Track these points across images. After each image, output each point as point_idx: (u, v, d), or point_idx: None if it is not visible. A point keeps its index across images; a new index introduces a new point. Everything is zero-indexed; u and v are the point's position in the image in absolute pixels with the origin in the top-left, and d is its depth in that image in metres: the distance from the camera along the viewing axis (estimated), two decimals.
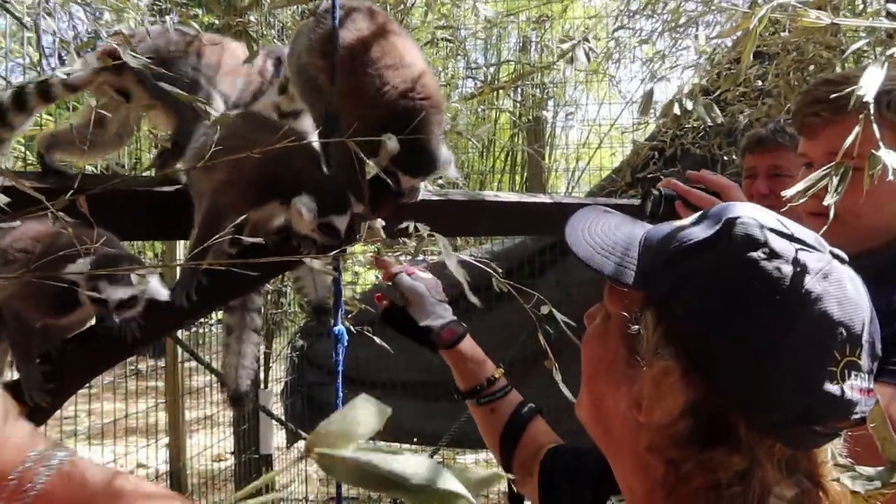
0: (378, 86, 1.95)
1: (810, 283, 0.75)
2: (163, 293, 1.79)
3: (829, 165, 1.21)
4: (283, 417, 5.25)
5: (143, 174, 3.93)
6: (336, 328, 2.01)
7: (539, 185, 6.65)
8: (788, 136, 2.29)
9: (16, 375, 1.85)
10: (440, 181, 3.50)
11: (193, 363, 4.67)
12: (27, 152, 4.01)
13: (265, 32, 4.14)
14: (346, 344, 2.02)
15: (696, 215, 0.87)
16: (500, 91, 6.95)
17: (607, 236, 0.90)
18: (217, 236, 1.49)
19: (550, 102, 6.97)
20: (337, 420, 0.56)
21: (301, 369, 5.58)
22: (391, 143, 1.79)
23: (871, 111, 1.22)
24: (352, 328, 3.61)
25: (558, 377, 1.61)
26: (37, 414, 1.82)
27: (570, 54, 2.35)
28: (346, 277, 4.84)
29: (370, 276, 5.73)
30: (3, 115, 2.00)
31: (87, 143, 2.07)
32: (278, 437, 5.37)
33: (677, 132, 4.44)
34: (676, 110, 1.73)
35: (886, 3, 2.49)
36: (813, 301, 0.75)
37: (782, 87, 3.51)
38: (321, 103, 2.10)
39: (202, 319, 5.33)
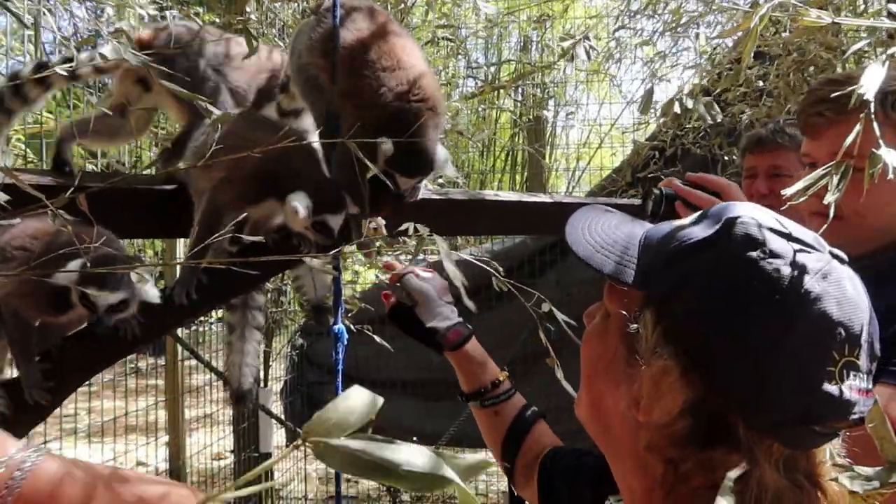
0: (375, 87, 1.95)
1: (809, 282, 0.75)
2: (154, 296, 1.78)
3: (829, 164, 1.21)
4: (282, 416, 5.26)
5: (144, 172, 3.93)
6: (336, 327, 2.01)
7: (539, 184, 6.64)
8: (788, 137, 2.29)
9: (15, 373, 1.85)
10: (440, 180, 3.50)
11: (193, 361, 4.67)
12: (27, 150, 4.01)
13: (266, 31, 4.13)
14: (345, 343, 2.02)
15: (696, 215, 0.87)
16: (501, 90, 6.95)
17: (607, 235, 0.90)
18: (217, 235, 1.50)
19: (551, 102, 6.96)
20: (331, 410, 0.57)
21: (301, 368, 5.58)
22: (386, 145, 1.80)
23: (872, 110, 1.22)
24: (352, 327, 3.61)
25: (560, 375, 1.61)
26: (36, 412, 1.82)
27: (571, 52, 2.35)
28: (346, 276, 4.84)
29: (370, 275, 5.73)
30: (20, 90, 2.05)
31: (108, 131, 2.09)
32: (278, 435, 5.37)
33: (678, 132, 4.43)
34: (677, 109, 1.73)
35: (887, 3, 2.49)
36: (812, 301, 0.75)
37: (783, 87, 3.50)
38: (321, 102, 2.10)
39: (202, 318, 5.33)
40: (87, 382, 2.83)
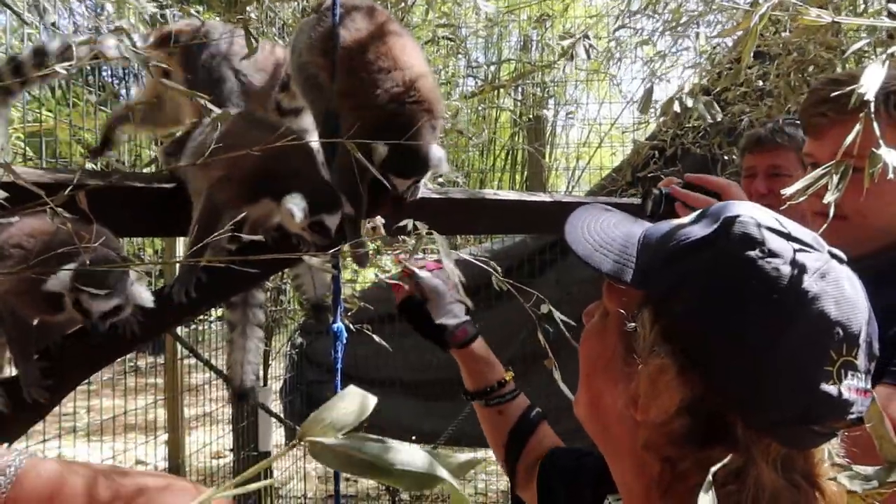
0: (372, 89, 1.95)
1: (807, 282, 0.75)
2: (148, 299, 1.78)
3: (828, 164, 1.21)
4: (282, 415, 5.26)
5: (143, 171, 3.93)
6: (335, 326, 2.01)
7: (539, 183, 6.63)
8: (787, 136, 2.30)
9: (14, 372, 1.84)
10: (440, 179, 3.50)
11: (193, 360, 4.67)
12: (27, 148, 4.01)
13: (266, 30, 4.13)
14: (345, 342, 2.02)
15: (695, 214, 0.87)
16: (501, 90, 6.94)
17: (606, 234, 0.90)
18: (216, 234, 1.50)
19: (551, 101, 6.96)
20: (327, 410, 0.58)
21: (300, 367, 5.58)
22: (380, 148, 1.80)
23: (872, 110, 1.22)
24: (351, 326, 3.61)
25: (558, 376, 1.61)
26: (35, 410, 1.82)
27: (571, 51, 2.35)
28: (346, 275, 4.84)
29: (370, 274, 5.73)
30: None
31: (152, 119, 2.22)
32: (277, 434, 5.38)
33: (678, 132, 4.43)
34: (676, 108, 1.73)
35: (887, 3, 2.49)
36: (810, 300, 0.75)
37: (783, 87, 3.50)
38: (321, 101, 2.10)
39: (202, 316, 5.33)
40: (87, 381, 2.83)
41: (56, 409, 2.02)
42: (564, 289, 4.53)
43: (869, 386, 0.78)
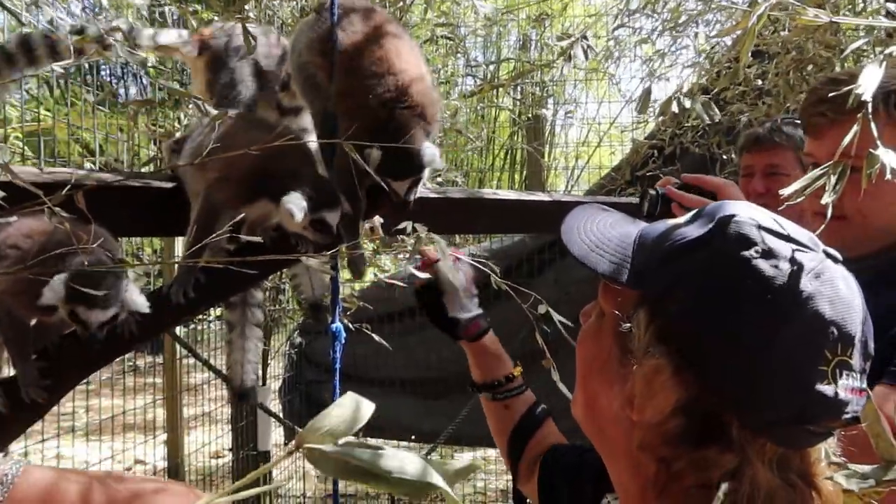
0: (365, 93, 1.96)
1: (802, 282, 0.75)
2: (143, 304, 1.78)
3: (826, 164, 1.21)
4: (281, 415, 5.26)
5: (142, 170, 3.93)
6: (333, 325, 2.01)
7: (538, 183, 6.64)
8: (785, 136, 2.30)
9: (13, 372, 1.84)
10: (439, 179, 3.50)
11: (192, 360, 4.68)
12: (25, 148, 4.01)
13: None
14: (343, 341, 2.02)
15: (690, 214, 0.87)
16: (500, 89, 6.94)
17: (602, 234, 0.90)
18: (215, 234, 1.50)
19: (550, 100, 6.96)
20: (324, 417, 0.58)
21: (299, 367, 5.59)
22: (374, 152, 1.81)
23: (870, 110, 1.22)
24: (350, 325, 3.61)
25: (556, 376, 1.62)
26: (33, 410, 1.82)
27: (569, 52, 2.35)
28: (345, 275, 4.84)
29: (369, 274, 5.72)
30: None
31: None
32: (276, 434, 5.38)
33: (676, 131, 4.44)
34: (674, 108, 1.73)
35: (886, 2, 2.49)
36: (805, 300, 0.75)
37: (782, 86, 3.50)
38: (319, 101, 2.10)
39: (200, 316, 5.33)
40: (85, 380, 2.83)
41: (55, 408, 2.02)
42: (563, 289, 4.54)
43: (864, 385, 0.78)
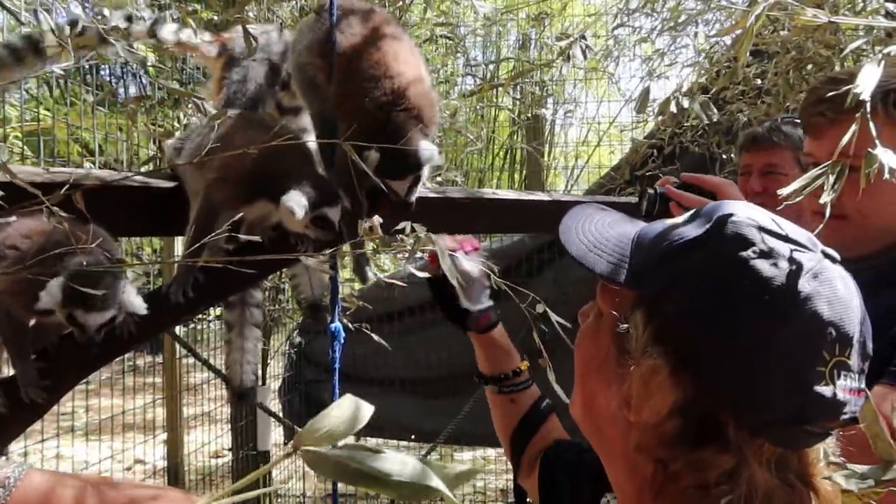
0: (363, 96, 1.96)
1: (800, 282, 0.75)
2: (140, 306, 1.78)
3: (825, 164, 1.21)
4: (280, 414, 5.26)
5: (140, 169, 3.92)
6: (333, 325, 2.01)
7: (538, 182, 6.64)
8: (783, 135, 2.31)
9: (12, 372, 1.84)
10: (438, 178, 3.50)
11: (191, 359, 4.68)
12: (24, 147, 4.01)
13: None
14: (342, 341, 2.02)
15: (688, 214, 0.87)
16: (500, 88, 6.94)
17: (600, 234, 0.90)
18: (214, 234, 1.49)
19: (550, 100, 6.97)
20: (322, 419, 0.58)
21: (299, 366, 5.58)
22: (373, 153, 1.81)
23: (868, 109, 1.22)
24: (350, 325, 3.61)
25: (552, 377, 1.62)
26: (33, 410, 1.82)
27: (568, 52, 2.35)
28: (345, 274, 4.84)
29: (368, 273, 5.72)
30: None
31: None
32: (276, 433, 5.38)
33: (676, 130, 4.44)
34: (673, 108, 1.73)
35: (885, 2, 2.49)
36: (803, 301, 0.75)
37: (781, 85, 3.50)
38: (319, 102, 2.11)
39: (200, 316, 5.33)
40: (85, 380, 2.83)
41: (54, 408, 2.02)
42: (562, 288, 4.54)
43: (863, 385, 0.78)
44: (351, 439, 0.60)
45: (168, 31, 2.09)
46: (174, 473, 4.73)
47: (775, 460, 0.78)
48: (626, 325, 0.82)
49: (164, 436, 4.81)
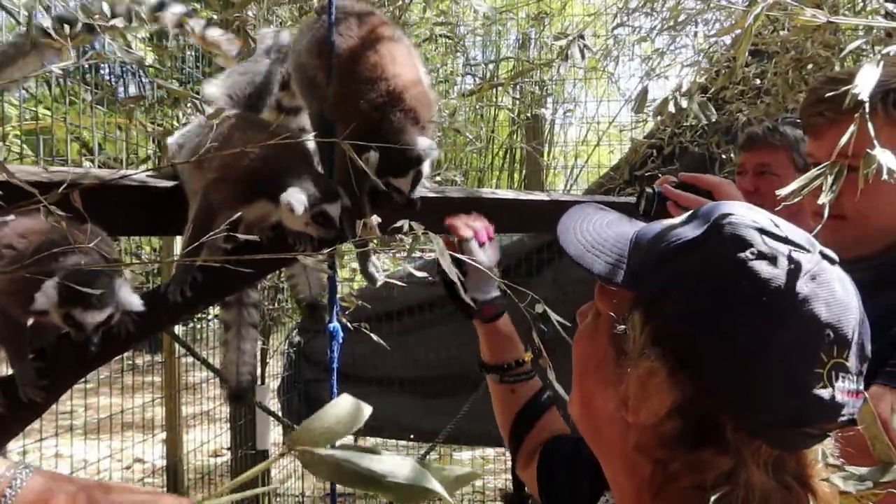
0: (360, 97, 1.97)
1: (798, 284, 0.75)
2: (136, 303, 1.77)
3: (823, 164, 1.21)
4: (279, 414, 5.26)
5: (139, 168, 3.92)
6: (331, 325, 2.01)
7: (537, 182, 6.64)
8: (779, 135, 2.31)
9: (11, 371, 1.84)
10: (437, 178, 3.49)
11: (190, 358, 4.67)
12: (23, 147, 4.01)
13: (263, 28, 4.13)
14: (341, 341, 2.02)
15: (686, 214, 0.87)
16: (499, 88, 6.94)
17: (598, 234, 0.90)
18: (212, 233, 1.49)
19: (549, 99, 6.96)
20: (318, 419, 0.57)
21: (298, 366, 5.58)
22: (373, 155, 1.81)
23: (867, 109, 1.22)
24: (349, 324, 3.61)
25: (552, 376, 1.62)
26: (31, 409, 1.82)
27: (566, 52, 2.35)
28: (344, 273, 4.84)
29: (376, 275, 5.72)
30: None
31: None
32: (275, 433, 5.38)
33: (675, 130, 4.43)
34: (671, 108, 1.73)
35: (885, 2, 2.49)
36: (801, 302, 0.74)
37: (781, 85, 3.50)
38: (317, 102, 2.11)
39: (199, 315, 5.33)
40: (84, 379, 2.82)
41: (53, 406, 2.02)
42: (561, 288, 4.54)
43: (861, 387, 0.78)
44: (349, 439, 0.59)
45: (197, 27, 2.13)
46: (173, 472, 4.73)
47: (773, 462, 0.78)
48: (622, 327, 0.82)
49: (163, 435, 4.81)
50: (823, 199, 1.19)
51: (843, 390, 0.75)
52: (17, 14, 3.04)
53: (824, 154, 1.51)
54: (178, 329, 4.84)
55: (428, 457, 4.80)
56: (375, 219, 1.88)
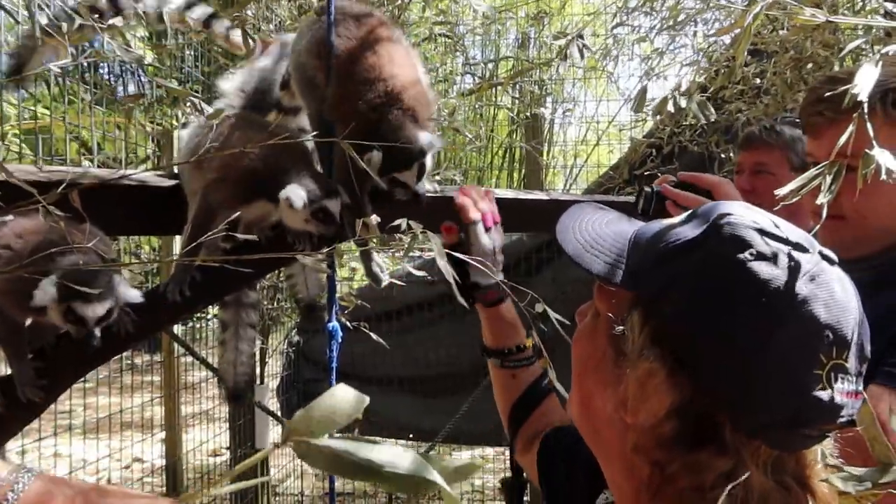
0: (358, 98, 1.97)
1: (798, 284, 0.75)
2: (135, 296, 1.77)
3: (821, 164, 1.21)
4: (279, 413, 5.25)
5: (138, 168, 3.92)
6: (330, 324, 2.01)
7: (537, 181, 6.62)
8: (776, 135, 2.32)
9: (9, 371, 1.84)
10: (437, 178, 3.49)
11: (189, 358, 4.67)
12: (22, 146, 4.00)
13: (262, 28, 4.12)
14: (340, 340, 2.02)
15: (685, 214, 0.86)
16: (499, 87, 6.93)
17: (597, 234, 0.90)
18: (211, 233, 1.49)
19: (549, 99, 6.96)
20: (315, 408, 0.56)
21: (297, 365, 5.58)
22: (375, 154, 1.81)
23: (866, 109, 1.22)
24: (348, 324, 3.61)
25: (553, 375, 1.62)
26: (30, 409, 1.81)
27: (566, 51, 2.35)
28: (343, 273, 4.83)
29: (381, 275, 5.71)
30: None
31: None
32: (274, 432, 5.38)
33: (675, 130, 4.43)
34: (670, 107, 1.73)
35: (884, 1, 2.49)
36: (800, 303, 0.74)
37: (780, 85, 3.50)
38: (317, 103, 2.11)
39: (198, 314, 5.32)
40: (83, 378, 2.82)
41: (52, 406, 2.02)
42: (560, 287, 4.54)
43: (860, 388, 0.78)
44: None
45: (221, 26, 2.16)
46: (172, 472, 4.73)
47: (772, 462, 0.77)
48: (621, 328, 0.82)
49: (163, 434, 4.81)
50: (822, 198, 1.19)
51: (842, 391, 0.75)
52: (16, 14, 3.03)
53: (824, 153, 1.51)
54: (178, 328, 4.83)
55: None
56: (375, 218, 1.88)
